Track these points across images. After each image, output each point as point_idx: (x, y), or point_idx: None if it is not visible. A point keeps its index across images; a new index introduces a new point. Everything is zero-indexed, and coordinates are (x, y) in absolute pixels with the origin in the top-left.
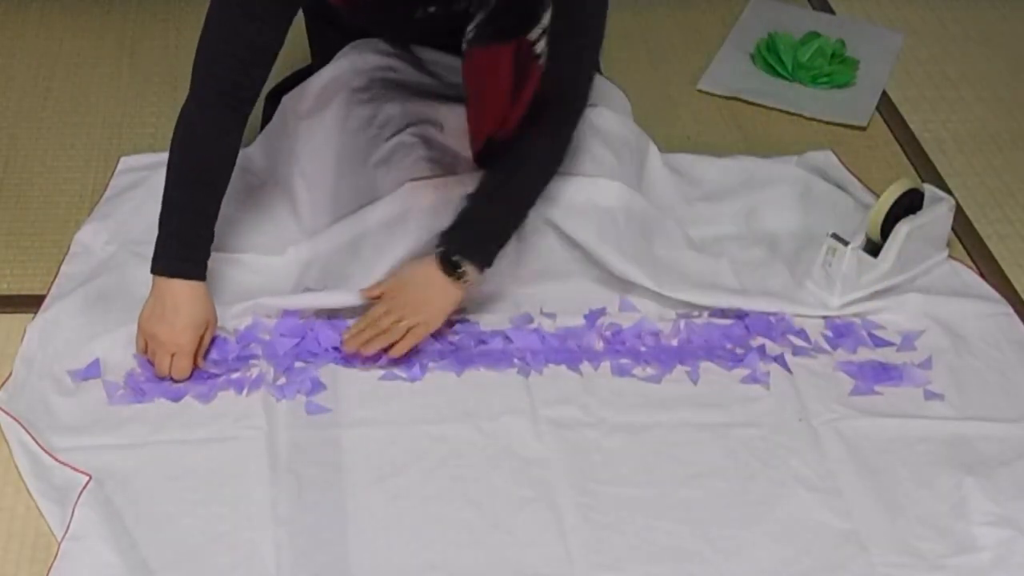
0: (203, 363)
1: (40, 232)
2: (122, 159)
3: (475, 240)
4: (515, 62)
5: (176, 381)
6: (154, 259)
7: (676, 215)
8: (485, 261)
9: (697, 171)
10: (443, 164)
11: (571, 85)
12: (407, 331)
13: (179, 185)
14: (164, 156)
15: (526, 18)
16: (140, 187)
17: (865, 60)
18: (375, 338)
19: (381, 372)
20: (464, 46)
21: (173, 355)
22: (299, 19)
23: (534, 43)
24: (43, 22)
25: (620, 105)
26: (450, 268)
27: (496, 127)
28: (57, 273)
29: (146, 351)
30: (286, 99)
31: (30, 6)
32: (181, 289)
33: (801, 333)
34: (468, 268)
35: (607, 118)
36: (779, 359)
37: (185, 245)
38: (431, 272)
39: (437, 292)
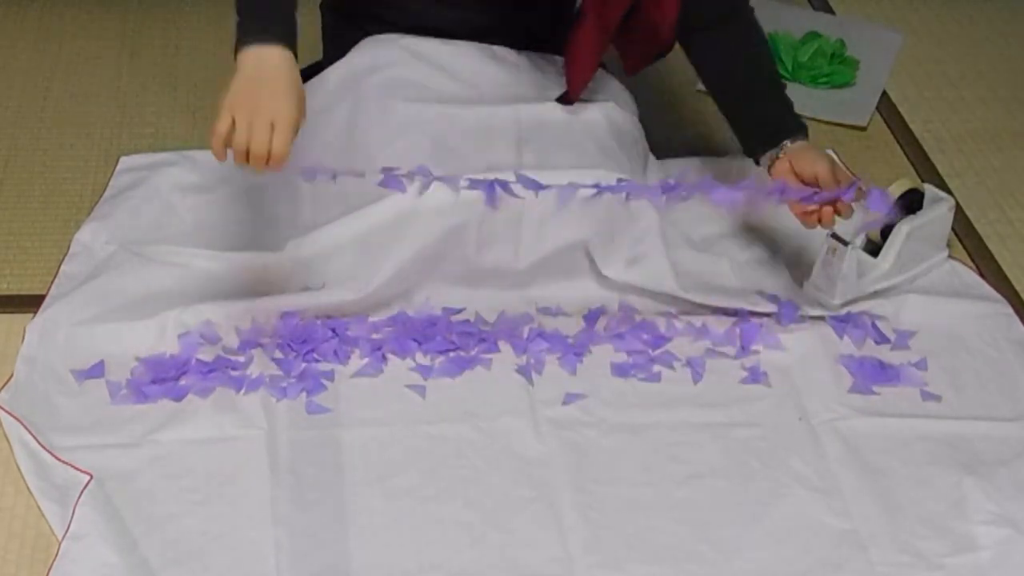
0: (285, 161)
1: (40, 232)
2: (122, 159)
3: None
4: None
5: (269, 165)
6: (238, 40)
7: (674, 217)
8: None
9: (696, 171)
10: (454, 163)
11: None
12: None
13: None
14: (164, 156)
15: None
16: (140, 187)
17: (865, 60)
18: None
19: (381, 372)
20: None
21: (274, 126)
22: (308, 14)
23: None
24: (43, 22)
25: (627, 103)
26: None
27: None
28: (57, 273)
29: (227, 134)
30: None
31: (30, 6)
32: (279, 55)
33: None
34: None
35: (619, 113)
36: (779, 356)
37: (274, 14)
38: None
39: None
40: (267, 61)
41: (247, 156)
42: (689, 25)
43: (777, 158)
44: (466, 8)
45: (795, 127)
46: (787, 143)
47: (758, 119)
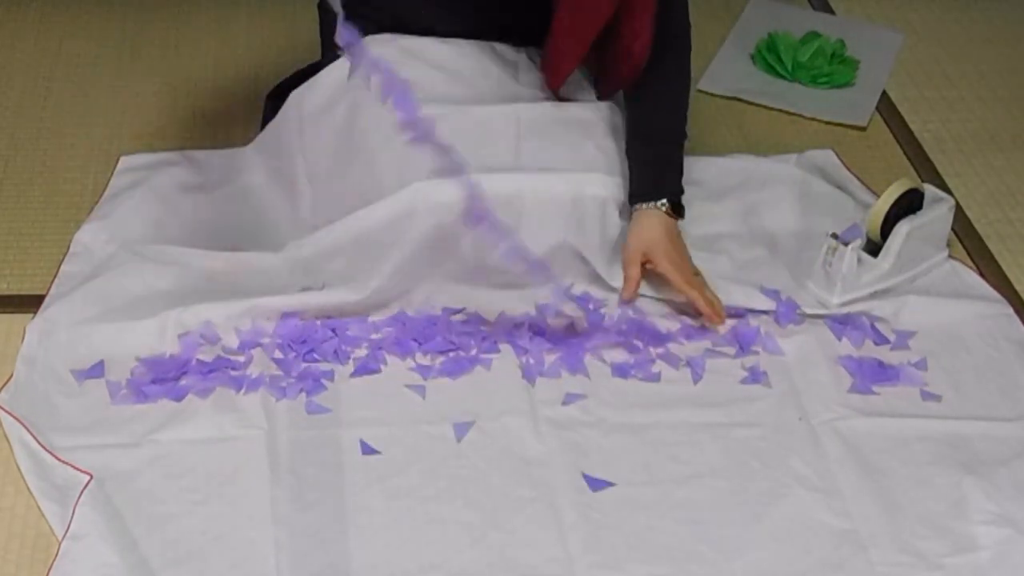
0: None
1: (40, 232)
2: (122, 159)
3: (676, 181)
4: None
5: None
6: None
7: None
8: (679, 189)
9: (696, 171)
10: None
11: (683, 15)
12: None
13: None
14: (164, 156)
15: None
16: (140, 187)
17: (865, 60)
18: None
19: (381, 372)
20: None
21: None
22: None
23: None
24: (43, 22)
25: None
26: (679, 212)
27: (578, 55)
28: (57, 273)
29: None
30: (294, 95)
31: (30, 6)
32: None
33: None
34: (675, 200)
35: (616, 114)
36: (778, 356)
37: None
38: (670, 226)
39: (674, 237)
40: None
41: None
42: None
43: (631, 215)
44: (461, 11)
45: (659, 190)
46: (641, 206)
47: (641, 164)
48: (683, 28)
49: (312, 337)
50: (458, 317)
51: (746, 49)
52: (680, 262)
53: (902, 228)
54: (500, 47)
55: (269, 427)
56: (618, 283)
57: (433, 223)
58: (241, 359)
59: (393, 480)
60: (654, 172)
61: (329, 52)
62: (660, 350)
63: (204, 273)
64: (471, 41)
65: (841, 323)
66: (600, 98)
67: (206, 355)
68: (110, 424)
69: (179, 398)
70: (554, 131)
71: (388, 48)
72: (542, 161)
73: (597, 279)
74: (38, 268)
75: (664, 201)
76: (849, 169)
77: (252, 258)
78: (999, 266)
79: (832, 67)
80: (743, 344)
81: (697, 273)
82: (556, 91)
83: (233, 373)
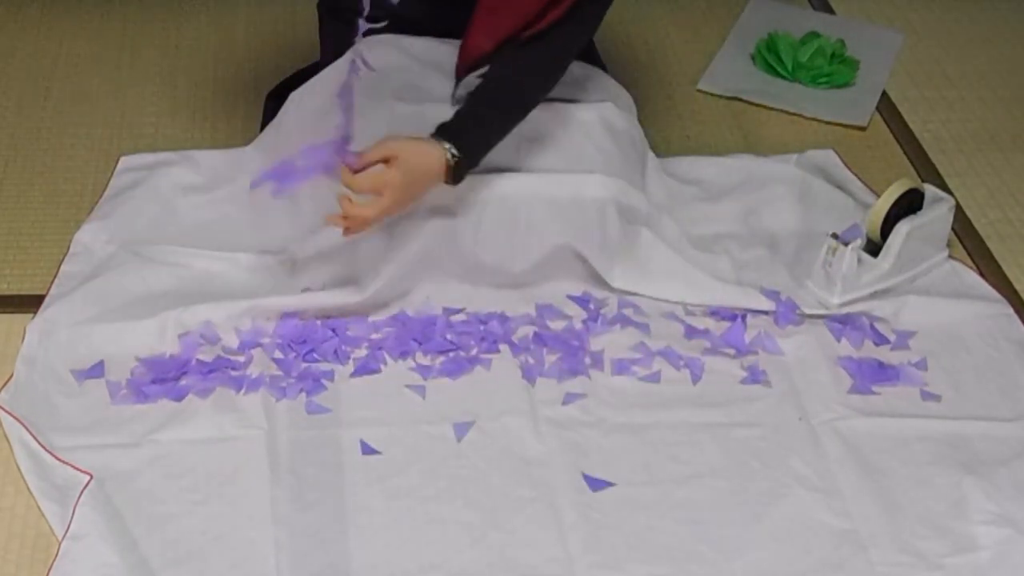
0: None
1: (40, 232)
2: (122, 159)
3: (471, 130)
4: None
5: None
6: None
7: (674, 216)
8: (475, 153)
9: (696, 171)
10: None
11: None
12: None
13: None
14: (164, 156)
15: None
16: (140, 187)
17: (865, 60)
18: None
19: (381, 372)
20: None
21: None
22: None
23: None
24: (43, 22)
25: (625, 104)
26: (456, 173)
27: (520, 27)
28: (57, 273)
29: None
30: (294, 95)
31: (30, 6)
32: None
33: (801, 324)
34: (450, 160)
35: (616, 114)
36: (778, 356)
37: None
38: (434, 167)
39: (426, 181)
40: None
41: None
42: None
43: (430, 144)
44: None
45: (452, 132)
46: (434, 135)
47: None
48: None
49: (312, 337)
50: (458, 317)
51: (746, 49)
52: (400, 188)
53: (902, 228)
54: None
55: (269, 427)
56: (619, 284)
57: (434, 224)
58: (241, 359)
59: (393, 480)
60: (468, 124)
61: (327, 52)
62: (660, 350)
63: (204, 273)
64: None
65: (841, 323)
66: (459, 71)
67: (206, 355)
68: (110, 424)
69: (179, 398)
70: (554, 132)
71: (386, 48)
72: (542, 162)
73: (597, 279)
74: (38, 268)
75: (453, 151)
76: (849, 169)
77: (252, 258)
78: (999, 266)
79: (832, 67)
80: (743, 344)
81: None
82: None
83: (233, 373)
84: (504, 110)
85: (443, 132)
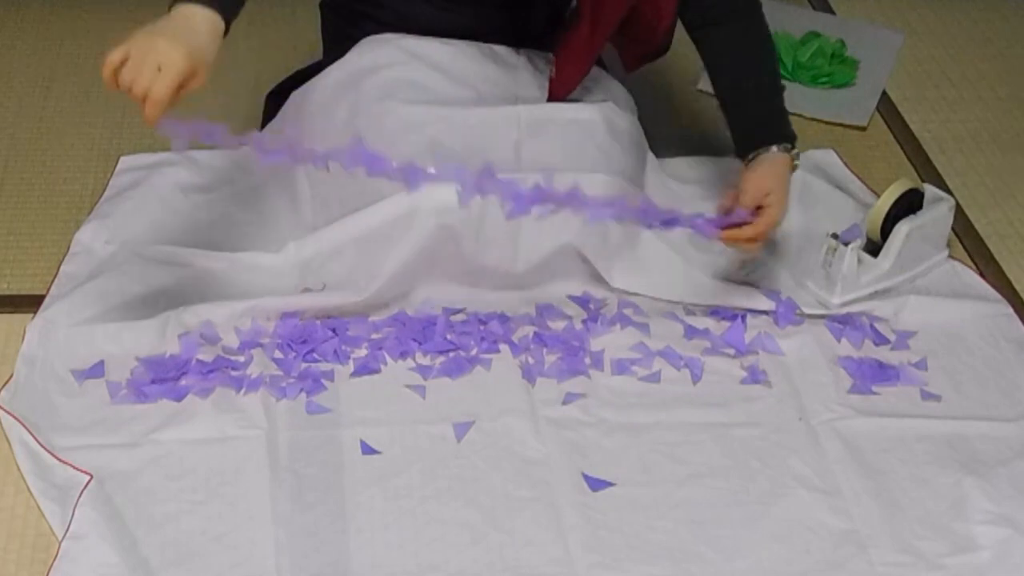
0: (156, 114)
1: (40, 232)
2: (122, 159)
3: (784, 122)
4: None
5: (146, 108)
6: None
7: None
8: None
9: (696, 171)
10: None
11: None
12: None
13: None
14: (164, 156)
15: None
16: (140, 187)
17: (865, 60)
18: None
19: (381, 372)
20: None
21: (159, 69)
22: (307, 14)
23: None
24: (43, 22)
25: (626, 104)
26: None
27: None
28: (57, 273)
29: (118, 66)
30: (295, 95)
31: (30, 6)
32: (200, 14)
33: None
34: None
35: (617, 114)
36: (778, 356)
37: None
38: (783, 167)
39: (786, 184)
40: (185, 16)
41: (130, 92)
42: (699, 20)
43: (746, 166)
44: (460, 12)
45: (776, 136)
46: (760, 152)
47: (746, 121)
48: None
49: (312, 337)
50: (458, 317)
51: None
52: (781, 200)
53: (902, 228)
54: (499, 48)
55: (269, 427)
56: (618, 284)
57: (435, 224)
58: (241, 359)
59: (393, 480)
60: (769, 123)
61: (330, 52)
62: (660, 350)
63: (204, 273)
64: (471, 43)
65: (841, 323)
66: (626, 70)
67: (206, 355)
68: (110, 424)
69: (179, 398)
70: (555, 132)
71: (389, 48)
72: (543, 162)
73: (597, 279)
74: (38, 268)
75: (786, 144)
76: (849, 169)
77: (252, 258)
78: (999, 266)
79: (832, 67)
80: (743, 344)
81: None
82: (559, 97)
83: (233, 373)
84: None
85: (784, 137)
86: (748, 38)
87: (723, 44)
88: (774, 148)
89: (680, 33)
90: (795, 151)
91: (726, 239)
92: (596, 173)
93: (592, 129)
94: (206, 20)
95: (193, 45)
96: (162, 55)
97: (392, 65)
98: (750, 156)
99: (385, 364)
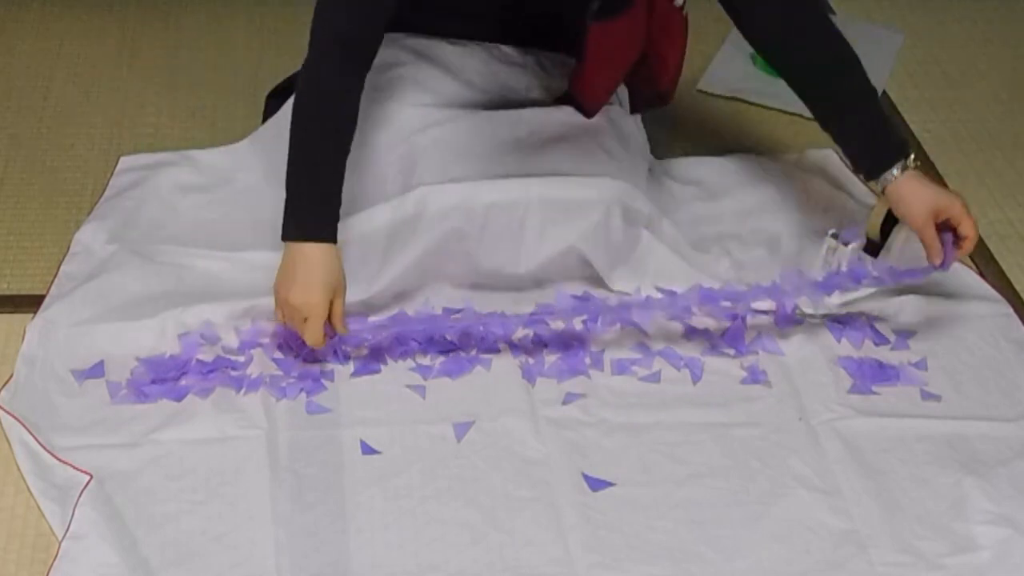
0: (344, 328)
1: (40, 232)
2: (122, 159)
3: (891, 138)
4: (648, 24)
5: (311, 348)
6: (284, 225)
7: (674, 217)
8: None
9: (696, 171)
10: (459, 168)
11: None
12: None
13: (305, 142)
14: (164, 156)
15: None
16: (140, 187)
17: (865, 60)
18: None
19: (381, 372)
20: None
21: (306, 320)
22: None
23: None
24: (43, 22)
25: (627, 104)
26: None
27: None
28: (57, 273)
29: (283, 320)
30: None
31: (30, 6)
32: (312, 252)
33: (801, 324)
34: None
35: (623, 116)
36: (778, 356)
37: (316, 204)
38: (925, 179)
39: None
40: (308, 258)
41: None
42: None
43: (888, 185)
44: (467, 21)
45: (899, 145)
46: (895, 172)
47: (859, 135)
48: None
49: None
50: (458, 317)
51: (746, 49)
52: (959, 202)
53: (902, 228)
54: (507, 50)
55: (269, 427)
56: (619, 286)
57: (438, 228)
58: (241, 359)
59: (393, 480)
60: (880, 136)
61: None
62: (660, 350)
63: (204, 273)
64: (478, 44)
65: (841, 323)
66: (633, 111)
67: (206, 355)
68: (110, 424)
69: (179, 398)
70: (561, 135)
71: (395, 48)
72: (549, 165)
73: (597, 279)
74: (38, 268)
75: (907, 160)
76: (850, 169)
77: (252, 258)
78: (999, 266)
79: None
80: (743, 344)
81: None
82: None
83: (233, 373)
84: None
85: (886, 164)
86: (828, 49)
87: (803, 56)
88: (898, 169)
89: None
90: (911, 159)
91: (954, 261)
92: (601, 177)
93: (598, 132)
94: (322, 253)
95: (323, 283)
96: (302, 309)
97: (398, 65)
98: (882, 181)
99: (385, 364)
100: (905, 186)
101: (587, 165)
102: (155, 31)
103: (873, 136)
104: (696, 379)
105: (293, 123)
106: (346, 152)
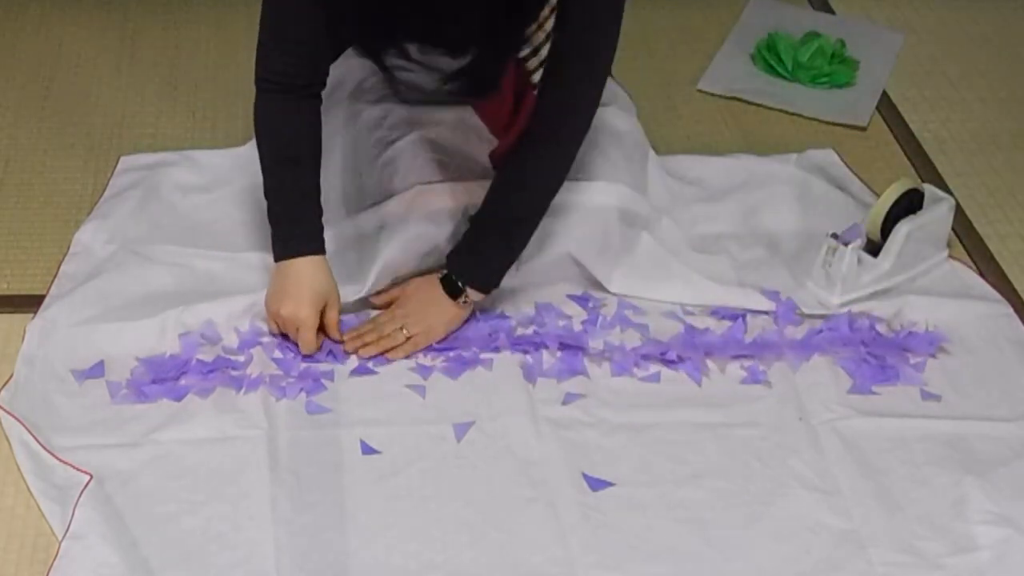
0: (339, 335)
1: (40, 232)
2: (122, 159)
3: (479, 264)
4: (515, 84)
5: (306, 356)
6: (273, 249)
7: (674, 216)
8: (490, 284)
9: (696, 171)
10: (453, 168)
11: (572, 108)
12: (407, 339)
13: (270, 171)
14: (164, 156)
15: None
16: (140, 187)
17: (865, 60)
18: (375, 342)
19: (382, 372)
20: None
21: (298, 330)
22: None
23: (532, 72)
24: (43, 22)
25: (626, 105)
26: (454, 290)
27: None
28: (57, 273)
29: (277, 332)
30: None
31: (30, 6)
32: (302, 266)
33: (801, 325)
34: (471, 292)
35: (618, 117)
36: (779, 356)
37: (293, 224)
38: (435, 291)
39: (440, 310)
40: (298, 272)
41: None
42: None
43: (432, 275)
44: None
45: (471, 273)
46: (445, 272)
47: (467, 237)
48: (566, 114)
49: None
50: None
51: (746, 49)
52: (406, 309)
53: (902, 228)
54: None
55: (269, 427)
56: (617, 289)
57: (437, 231)
58: (241, 359)
59: (393, 480)
60: (473, 251)
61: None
62: (660, 350)
63: (204, 273)
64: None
65: (841, 323)
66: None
67: (206, 355)
68: (110, 424)
69: (179, 398)
70: None
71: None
72: None
73: (597, 281)
74: (38, 268)
75: (446, 272)
76: (849, 169)
77: (252, 258)
78: (999, 266)
79: (832, 67)
80: (743, 344)
81: (417, 335)
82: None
83: (233, 373)
84: (505, 224)
85: (454, 267)
86: (534, 162)
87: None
88: (441, 276)
89: (678, 33)
90: (464, 295)
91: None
92: (598, 181)
93: (594, 135)
94: (309, 265)
95: (312, 294)
96: (294, 320)
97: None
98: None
99: (385, 364)
100: (431, 285)
101: (582, 169)
102: (155, 31)
103: (474, 253)
104: (696, 379)
105: (258, 150)
106: (314, 169)
